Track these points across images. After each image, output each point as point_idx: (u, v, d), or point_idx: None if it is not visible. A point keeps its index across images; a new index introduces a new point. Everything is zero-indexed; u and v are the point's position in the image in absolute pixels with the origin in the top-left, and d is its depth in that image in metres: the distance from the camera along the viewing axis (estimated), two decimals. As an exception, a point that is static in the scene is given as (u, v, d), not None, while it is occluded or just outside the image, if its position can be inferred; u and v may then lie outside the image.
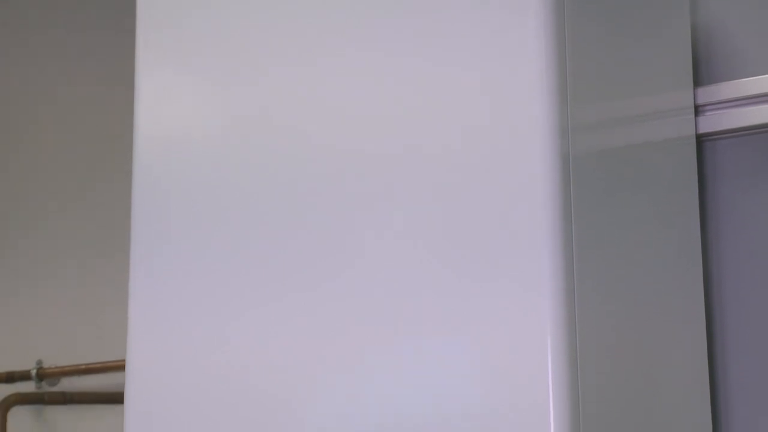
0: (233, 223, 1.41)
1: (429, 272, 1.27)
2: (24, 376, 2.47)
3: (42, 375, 2.47)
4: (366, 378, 1.29)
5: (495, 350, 1.23)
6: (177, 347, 1.42)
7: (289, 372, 1.34)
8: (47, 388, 2.48)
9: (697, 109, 1.67)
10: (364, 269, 1.31)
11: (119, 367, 2.31)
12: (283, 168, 1.39)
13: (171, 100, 1.50)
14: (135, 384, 1.45)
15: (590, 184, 1.30)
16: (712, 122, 1.67)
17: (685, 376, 1.53)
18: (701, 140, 1.69)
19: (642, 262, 1.43)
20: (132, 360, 1.45)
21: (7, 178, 2.67)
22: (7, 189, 2.67)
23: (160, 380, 1.43)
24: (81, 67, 2.58)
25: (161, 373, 1.43)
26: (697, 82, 1.69)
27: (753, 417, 1.62)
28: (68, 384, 2.46)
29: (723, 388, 1.64)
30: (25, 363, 2.49)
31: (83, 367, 2.42)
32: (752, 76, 1.65)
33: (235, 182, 1.42)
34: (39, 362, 2.49)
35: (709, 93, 1.66)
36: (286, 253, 1.36)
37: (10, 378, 2.48)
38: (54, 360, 2.48)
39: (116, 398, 2.34)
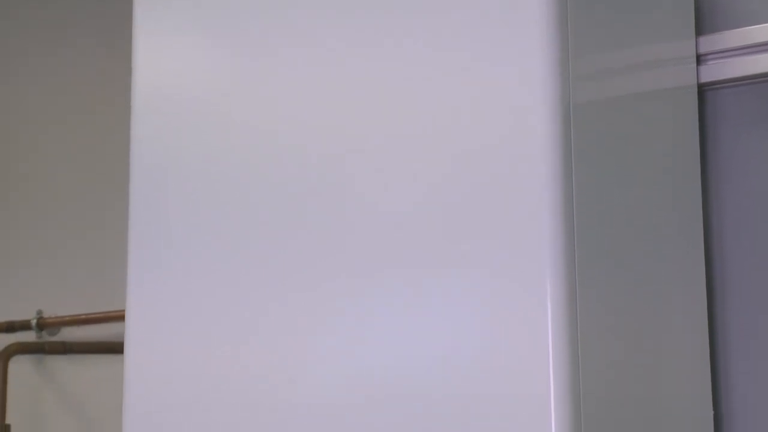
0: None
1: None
2: (24, 326, 2.48)
3: (42, 325, 2.47)
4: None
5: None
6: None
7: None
8: (47, 337, 2.48)
9: (699, 58, 1.65)
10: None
11: (118, 317, 2.31)
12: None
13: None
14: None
15: (591, 134, 1.29)
16: (714, 71, 1.65)
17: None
18: (703, 90, 1.67)
19: (643, 219, 1.42)
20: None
21: (7, 129, 2.66)
22: (5, 138, 2.66)
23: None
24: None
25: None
26: (700, 30, 1.66)
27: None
28: (68, 334, 2.46)
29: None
30: (26, 313, 2.50)
31: (83, 317, 2.42)
32: (756, 24, 1.63)
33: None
34: (39, 312, 2.49)
35: (711, 42, 1.64)
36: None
37: (11, 328, 2.48)
38: (54, 310, 2.48)
39: (115, 348, 2.34)
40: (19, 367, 2.45)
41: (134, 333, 1.44)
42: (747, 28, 1.63)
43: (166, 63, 1.49)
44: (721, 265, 1.65)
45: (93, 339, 2.41)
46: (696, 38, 1.64)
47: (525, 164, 1.23)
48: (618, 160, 1.38)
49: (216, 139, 1.43)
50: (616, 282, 1.33)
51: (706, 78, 1.65)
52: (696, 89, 1.64)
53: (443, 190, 1.26)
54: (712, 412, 1.57)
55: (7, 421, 2.33)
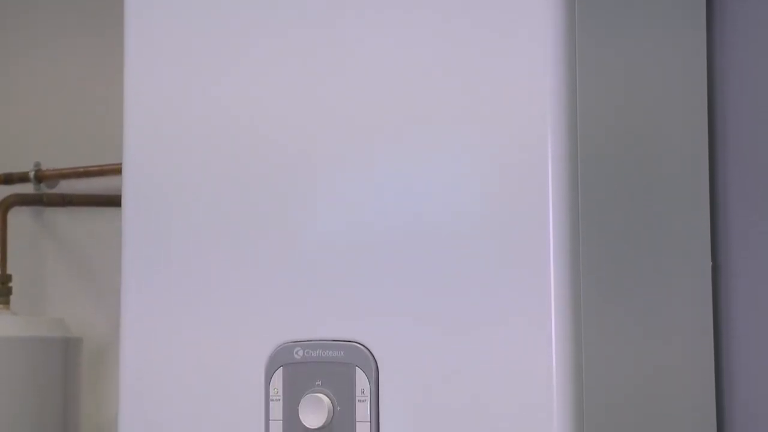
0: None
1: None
2: (22, 178, 2.48)
3: (40, 177, 2.47)
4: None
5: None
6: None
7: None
8: (46, 189, 2.48)
9: None
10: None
11: (116, 170, 2.31)
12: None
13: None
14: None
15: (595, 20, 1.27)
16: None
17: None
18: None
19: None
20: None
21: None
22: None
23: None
24: None
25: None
26: None
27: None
28: (67, 186, 2.47)
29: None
30: (23, 165, 2.50)
31: (81, 169, 2.42)
32: None
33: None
34: (37, 164, 2.49)
35: None
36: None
37: (9, 179, 2.48)
38: (52, 162, 2.48)
39: (114, 201, 2.35)
40: (19, 219, 2.46)
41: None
42: None
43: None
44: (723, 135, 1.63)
45: (92, 192, 2.41)
46: None
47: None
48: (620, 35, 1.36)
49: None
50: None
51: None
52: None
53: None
54: (711, 275, 1.57)
55: (8, 271, 2.35)
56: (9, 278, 2.34)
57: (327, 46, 1.35)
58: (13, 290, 2.34)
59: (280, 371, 1.33)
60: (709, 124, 1.60)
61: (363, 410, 1.28)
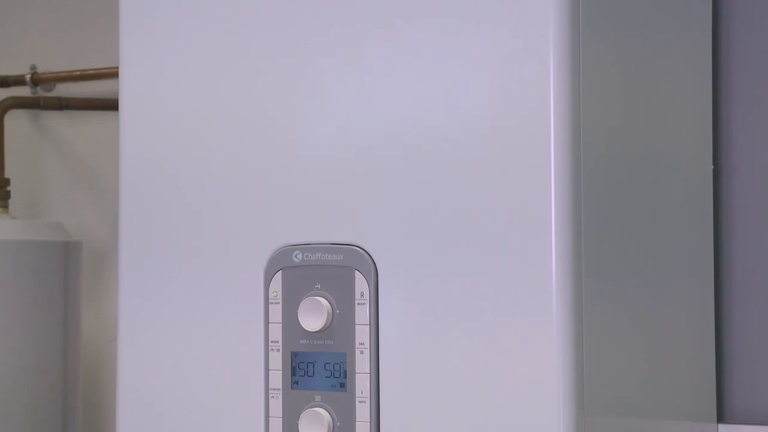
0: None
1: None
2: (18, 81, 2.46)
3: (37, 80, 2.45)
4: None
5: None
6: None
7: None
8: (42, 93, 2.47)
9: None
10: None
11: (113, 74, 2.29)
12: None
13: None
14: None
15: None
16: None
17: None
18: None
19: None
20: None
21: None
22: None
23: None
24: None
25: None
26: None
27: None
28: (64, 90, 2.45)
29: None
30: (19, 68, 2.48)
31: (77, 73, 2.41)
32: None
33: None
34: (33, 67, 2.48)
35: None
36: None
37: (5, 82, 2.47)
38: (48, 66, 2.47)
39: (110, 105, 2.34)
40: (16, 123, 2.45)
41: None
42: None
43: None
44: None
45: (88, 95, 2.40)
46: None
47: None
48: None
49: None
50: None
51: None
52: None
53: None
54: (711, 167, 1.57)
55: (6, 174, 2.35)
56: (7, 182, 2.34)
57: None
58: (12, 194, 2.34)
59: (279, 274, 1.34)
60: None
61: (363, 313, 1.29)
